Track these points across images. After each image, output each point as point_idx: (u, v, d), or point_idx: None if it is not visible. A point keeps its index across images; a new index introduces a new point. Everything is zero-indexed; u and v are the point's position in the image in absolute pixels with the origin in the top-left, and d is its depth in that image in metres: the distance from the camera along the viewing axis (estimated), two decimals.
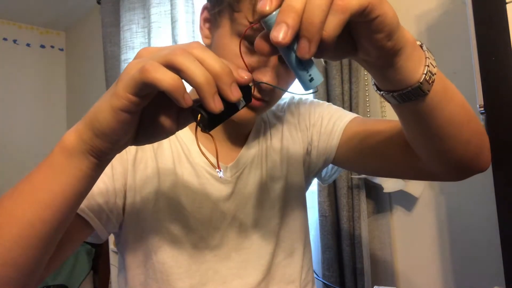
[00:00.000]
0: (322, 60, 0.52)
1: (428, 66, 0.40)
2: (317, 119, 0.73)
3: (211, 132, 0.38)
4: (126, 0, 2.01)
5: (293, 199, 0.71)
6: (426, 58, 0.40)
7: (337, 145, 0.69)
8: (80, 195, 0.43)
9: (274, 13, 0.33)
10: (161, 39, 1.83)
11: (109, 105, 0.38)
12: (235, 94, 0.35)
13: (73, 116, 3.26)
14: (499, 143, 0.75)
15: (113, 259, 1.91)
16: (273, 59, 0.56)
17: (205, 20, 0.63)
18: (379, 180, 1.29)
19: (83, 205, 0.54)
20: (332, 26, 0.32)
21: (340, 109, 0.74)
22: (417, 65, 0.40)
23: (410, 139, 0.53)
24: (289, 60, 0.34)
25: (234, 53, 0.55)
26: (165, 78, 0.34)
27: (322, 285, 1.38)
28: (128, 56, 2.00)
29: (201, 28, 0.64)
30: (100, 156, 0.41)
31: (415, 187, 1.30)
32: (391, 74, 0.39)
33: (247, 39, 0.55)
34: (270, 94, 0.59)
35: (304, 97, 0.79)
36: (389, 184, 1.27)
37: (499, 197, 0.76)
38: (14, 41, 3.11)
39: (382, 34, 0.36)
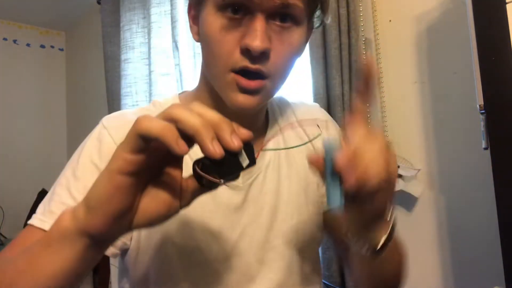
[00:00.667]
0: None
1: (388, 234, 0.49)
2: None
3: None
4: (126, 0, 2.01)
5: (311, 214, 0.67)
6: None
7: None
8: (78, 275, 0.40)
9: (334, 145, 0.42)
10: (161, 39, 1.83)
11: (106, 170, 0.36)
12: (235, 143, 0.34)
13: (73, 116, 3.26)
14: (499, 143, 0.75)
15: (113, 259, 1.91)
16: (260, 21, 0.50)
17: (193, 18, 0.60)
18: None
19: None
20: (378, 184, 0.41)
21: None
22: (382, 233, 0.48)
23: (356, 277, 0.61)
24: (328, 178, 0.42)
25: (220, 27, 0.52)
26: (157, 125, 0.33)
27: (322, 285, 1.38)
28: (128, 56, 2.00)
29: (190, 27, 0.61)
30: (94, 236, 0.37)
31: (415, 187, 1.30)
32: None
33: (224, 12, 0.51)
34: (266, 62, 0.52)
35: (333, 120, 0.75)
36: None
37: (499, 197, 0.76)
38: (14, 41, 3.11)
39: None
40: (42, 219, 0.53)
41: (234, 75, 0.52)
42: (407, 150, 1.34)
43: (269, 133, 0.67)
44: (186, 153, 0.34)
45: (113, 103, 2.14)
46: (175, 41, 1.71)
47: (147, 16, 1.89)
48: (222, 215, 0.59)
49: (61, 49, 3.36)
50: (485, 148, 0.79)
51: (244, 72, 0.52)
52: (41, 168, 3.11)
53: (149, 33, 1.87)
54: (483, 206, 1.16)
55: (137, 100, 1.99)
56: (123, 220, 0.37)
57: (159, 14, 1.84)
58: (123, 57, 2.01)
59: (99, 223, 0.36)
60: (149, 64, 1.88)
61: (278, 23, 0.52)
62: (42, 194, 2.67)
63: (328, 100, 1.37)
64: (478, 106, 0.80)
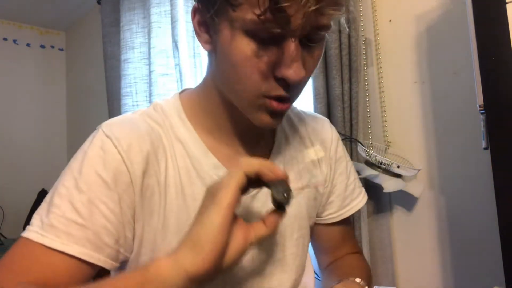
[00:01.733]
0: None
1: None
2: (339, 181, 0.73)
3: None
4: (126, 0, 2.01)
5: (308, 227, 0.69)
6: None
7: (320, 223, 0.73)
8: None
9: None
10: (161, 39, 1.83)
11: (216, 206, 0.41)
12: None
13: (73, 116, 3.26)
14: (499, 143, 0.75)
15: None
16: (296, 48, 0.47)
17: (199, 24, 0.55)
18: (379, 180, 1.29)
19: (100, 255, 0.51)
20: None
21: (355, 186, 0.76)
22: None
23: None
24: None
25: (249, 56, 0.48)
26: (255, 162, 0.45)
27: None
28: (128, 56, 2.00)
29: (197, 34, 0.56)
30: (199, 279, 0.40)
31: (415, 187, 1.30)
32: None
33: (255, 37, 0.47)
34: (300, 87, 0.53)
35: (339, 137, 0.77)
36: (389, 184, 1.27)
37: (499, 197, 0.75)
38: (14, 41, 3.11)
39: None
40: (42, 233, 0.49)
41: (267, 100, 0.51)
42: (407, 150, 1.34)
43: (276, 140, 0.67)
44: (284, 177, 0.45)
45: (113, 103, 2.14)
46: (175, 41, 1.71)
47: (147, 16, 1.89)
48: None
49: (61, 49, 3.36)
50: (485, 148, 0.79)
51: (277, 98, 0.52)
52: (41, 168, 3.11)
53: (149, 33, 1.87)
54: (483, 206, 1.16)
55: (137, 100, 1.99)
56: (222, 258, 0.40)
57: (159, 14, 1.84)
58: (123, 57, 2.01)
59: (208, 264, 0.39)
60: (149, 64, 1.88)
61: (307, 42, 0.50)
62: (42, 194, 2.67)
63: (328, 100, 1.37)
64: (478, 106, 0.80)
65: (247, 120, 0.56)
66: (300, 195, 0.67)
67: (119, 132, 0.55)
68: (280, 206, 0.47)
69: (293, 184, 0.65)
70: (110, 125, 0.57)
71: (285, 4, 0.43)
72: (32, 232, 0.49)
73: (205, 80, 0.62)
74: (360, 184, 0.77)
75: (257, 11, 0.44)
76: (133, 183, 0.53)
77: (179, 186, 0.57)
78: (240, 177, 0.42)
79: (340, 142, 0.75)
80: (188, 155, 0.58)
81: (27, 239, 0.49)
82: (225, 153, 0.61)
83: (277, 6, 0.43)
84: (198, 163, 0.58)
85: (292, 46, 0.47)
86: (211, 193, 0.43)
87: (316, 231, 0.75)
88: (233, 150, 0.62)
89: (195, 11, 0.55)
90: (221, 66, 0.54)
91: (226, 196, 0.40)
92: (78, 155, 0.55)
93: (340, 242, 0.76)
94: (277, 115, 0.54)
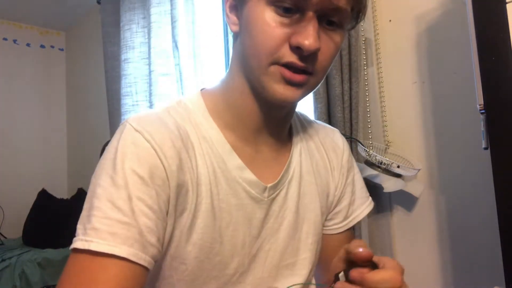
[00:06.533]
0: None
1: None
2: (346, 191, 0.73)
3: None
4: (126, 0, 2.01)
5: (321, 231, 0.69)
6: None
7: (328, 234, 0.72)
8: None
9: None
10: (161, 39, 1.83)
11: None
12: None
13: (73, 115, 3.26)
14: (499, 143, 0.75)
15: None
16: (313, 21, 0.50)
17: (230, 8, 0.58)
18: (379, 180, 1.29)
19: (146, 255, 0.48)
20: None
21: (362, 194, 0.75)
22: None
23: None
24: None
25: (270, 21, 0.51)
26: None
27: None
28: (128, 56, 2.00)
29: (227, 16, 0.58)
30: None
31: (415, 187, 1.30)
32: None
33: (276, 7, 0.51)
34: (314, 61, 0.53)
35: (350, 150, 0.77)
36: (389, 184, 1.27)
37: (499, 197, 0.75)
38: (14, 41, 3.11)
39: None
40: (86, 239, 0.46)
41: (279, 67, 0.52)
42: (407, 150, 1.34)
43: (294, 147, 0.67)
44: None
45: (113, 103, 2.14)
46: (175, 41, 1.71)
47: (147, 16, 1.90)
48: (246, 229, 0.59)
49: (61, 49, 3.36)
50: (485, 148, 0.79)
51: (289, 66, 0.52)
52: (41, 168, 3.11)
53: (149, 33, 1.87)
54: (483, 206, 1.16)
55: (137, 100, 2.00)
56: None
57: (159, 14, 1.84)
58: (123, 57, 2.01)
59: None
60: (149, 64, 1.88)
61: (325, 25, 0.52)
62: (42, 194, 2.67)
63: (328, 100, 1.37)
64: (478, 106, 0.80)
65: (269, 109, 0.58)
66: (317, 199, 0.67)
67: (149, 126, 0.53)
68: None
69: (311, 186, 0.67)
70: (138, 120, 0.54)
71: None
72: (77, 241, 0.46)
73: (230, 70, 0.62)
74: (367, 193, 0.77)
75: None
76: (168, 178, 0.51)
77: (208, 185, 0.56)
78: None
79: (350, 152, 0.75)
80: (214, 154, 0.57)
81: (76, 249, 0.47)
82: (248, 153, 0.60)
83: None
84: (222, 163, 0.58)
85: (310, 17, 0.50)
86: None
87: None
88: (255, 149, 0.62)
89: None
90: (243, 41, 0.56)
91: None
92: (109, 154, 0.52)
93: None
94: (292, 85, 0.53)
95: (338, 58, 1.33)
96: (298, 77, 0.52)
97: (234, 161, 0.58)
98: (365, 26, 1.39)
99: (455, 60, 1.22)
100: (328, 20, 0.52)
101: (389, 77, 1.39)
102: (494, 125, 0.76)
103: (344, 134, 1.32)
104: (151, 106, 1.85)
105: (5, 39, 3.06)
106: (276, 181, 0.61)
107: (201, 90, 0.64)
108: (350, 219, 0.73)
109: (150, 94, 1.86)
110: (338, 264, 0.51)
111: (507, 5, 0.74)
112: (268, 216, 0.61)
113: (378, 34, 1.40)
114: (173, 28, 1.72)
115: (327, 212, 0.71)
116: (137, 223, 0.47)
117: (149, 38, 1.87)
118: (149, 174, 0.50)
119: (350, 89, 1.36)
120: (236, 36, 0.59)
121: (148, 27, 1.88)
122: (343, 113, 1.34)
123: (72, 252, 0.48)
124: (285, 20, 0.51)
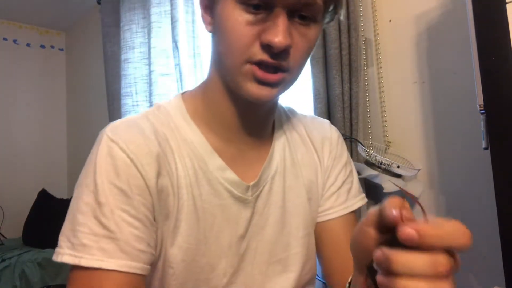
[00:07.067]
0: None
1: None
2: (337, 179, 0.70)
3: None
4: (126, 0, 2.01)
5: (313, 226, 0.67)
6: None
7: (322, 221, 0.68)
8: None
9: None
10: (161, 39, 1.83)
11: None
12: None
13: (73, 115, 3.26)
14: (499, 143, 0.75)
15: None
16: (282, 17, 0.50)
17: (205, 8, 0.58)
18: (379, 180, 1.29)
19: (138, 263, 0.50)
20: None
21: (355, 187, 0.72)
22: None
23: None
24: None
25: (240, 20, 0.51)
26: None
27: (322, 285, 1.38)
28: (128, 56, 2.00)
29: (202, 17, 0.59)
30: None
31: (415, 187, 1.30)
32: None
33: (246, 6, 0.51)
34: (287, 58, 0.52)
35: (341, 136, 0.75)
36: (389, 184, 1.27)
37: (499, 197, 0.75)
38: (14, 41, 3.11)
39: None
40: (76, 254, 0.48)
41: (251, 66, 0.52)
42: (407, 150, 1.34)
43: (275, 142, 0.66)
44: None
45: (113, 103, 2.14)
46: (175, 41, 1.71)
47: (147, 16, 1.90)
48: (231, 229, 0.59)
49: (61, 49, 3.36)
50: (485, 148, 0.79)
51: (261, 65, 0.52)
52: (41, 168, 3.11)
53: (149, 33, 1.87)
54: (483, 206, 1.16)
55: (137, 100, 2.00)
56: None
57: (159, 14, 1.84)
58: (123, 57, 2.01)
59: None
60: (149, 64, 1.88)
61: (297, 20, 0.52)
62: (42, 194, 2.67)
63: (328, 100, 1.37)
64: (478, 106, 0.80)
65: (246, 108, 0.58)
66: (304, 191, 0.66)
67: (125, 134, 0.54)
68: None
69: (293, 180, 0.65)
70: (114, 129, 0.55)
71: None
72: (66, 256, 0.48)
73: (208, 71, 0.62)
74: (361, 189, 0.74)
75: None
76: (148, 185, 0.53)
77: (190, 187, 0.56)
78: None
79: (341, 141, 0.74)
80: (195, 156, 0.58)
81: (72, 266, 0.49)
82: (230, 153, 0.61)
83: None
84: (204, 164, 0.58)
85: (279, 14, 0.50)
86: None
87: (318, 231, 0.71)
88: (237, 149, 0.62)
89: None
90: (217, 40, 0.56)
91: None
92: (89, 167, 0.53)
93: (345, 244, 0.68)
94: (264, 85, 0.53)
95: (338, 58, 1.33)
96: (271, 77, 0.52)
97: (215, 162, 0.59)
98: (365, 26, 1.39)
99: (455, 60, 1.22)
100: (300, 15, 0.51)
101: (389, 77, 1.39)
102: (494, 125, 0.76)
103: (344, 134, 1.33)
104: (151, 106, 1.85)
105: (5, 39, 3.06)
106: (257, 178, 0.61)
107: (182, 93, 0.65)
108: (348, 203, 0.69)
109: (150, 94, 1.86)
110: (366, 229, 0.38)
111: (507, 5, 0.74)
112: (253, 214, 0.61)
113: (378, 34, 1.40)
114: (173, 28, 1.72)
115: (317, 202, 0.68)
116: (123, 235, 0.49)
117: (149, 38, 1.87)
118: (127, 185, 0.51)
119: (350, 89, 1.36)
120: (212, 36, 0.59)
121: (148, 27, 1.88)
122: (343, 113, 1.34)
123: (70, 269, 0.50)
124: (254, 17, 0.51)
